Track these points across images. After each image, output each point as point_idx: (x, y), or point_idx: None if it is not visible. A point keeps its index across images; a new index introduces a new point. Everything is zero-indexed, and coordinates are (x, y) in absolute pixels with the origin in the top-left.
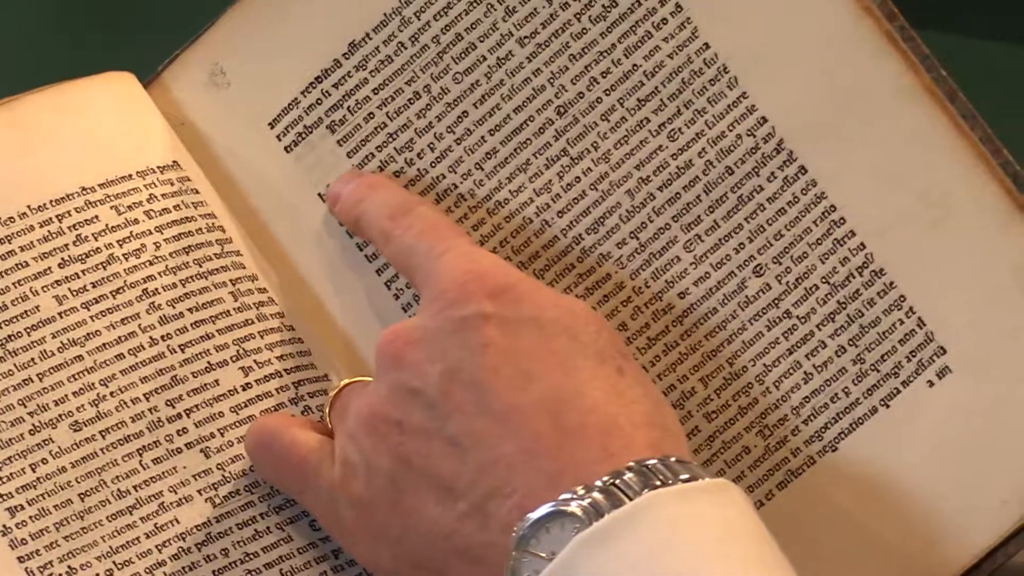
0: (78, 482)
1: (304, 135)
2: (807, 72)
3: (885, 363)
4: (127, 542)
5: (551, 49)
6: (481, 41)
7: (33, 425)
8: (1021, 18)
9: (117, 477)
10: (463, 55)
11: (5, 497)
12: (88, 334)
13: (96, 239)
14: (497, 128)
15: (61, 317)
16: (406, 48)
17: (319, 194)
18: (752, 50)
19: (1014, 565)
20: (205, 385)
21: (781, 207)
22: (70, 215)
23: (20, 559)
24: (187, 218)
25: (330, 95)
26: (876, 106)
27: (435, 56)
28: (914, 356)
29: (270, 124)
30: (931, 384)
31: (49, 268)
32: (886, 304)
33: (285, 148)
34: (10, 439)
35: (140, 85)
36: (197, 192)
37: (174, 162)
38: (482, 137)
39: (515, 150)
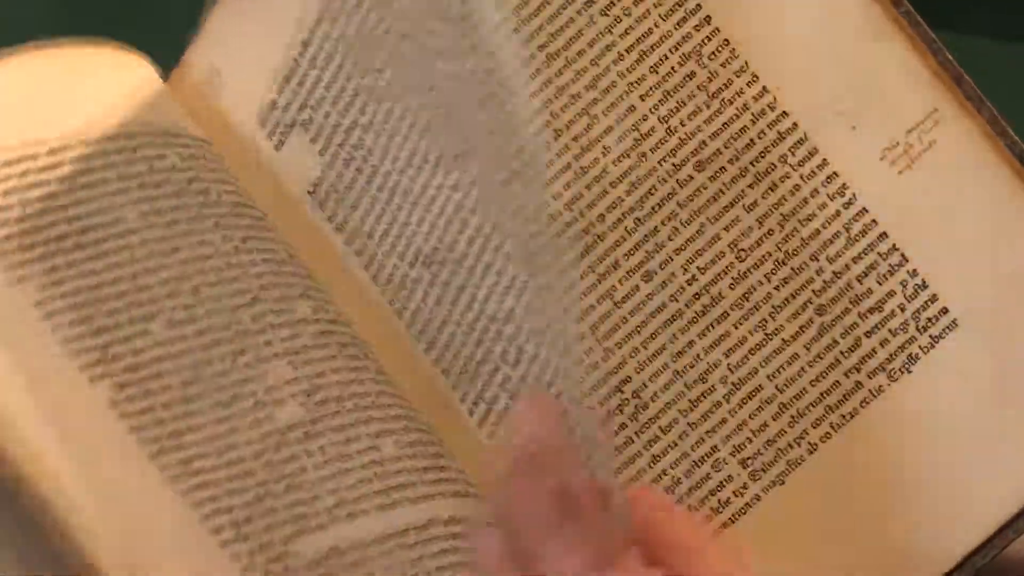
0: (177, 372)
1: (286, 134)
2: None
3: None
4: (230, 429)
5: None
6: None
7: (130, 317)
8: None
9: (214, 374)
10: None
11: (112, 374)
12: (172, 248)
13: (165, 173)
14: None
15: (146, 230)
16: (346, 42)
17: (308, 191)
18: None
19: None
20: (283, 309)
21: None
22: (144, 148)
23: (131, 429)
24: (230, 181)
25: (297, 94)
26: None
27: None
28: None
29: (260, 123)
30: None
31: (129, 188)
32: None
33: (274, 147)
34: (108, 326)
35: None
36: (227, 171)
37: (207, 139)
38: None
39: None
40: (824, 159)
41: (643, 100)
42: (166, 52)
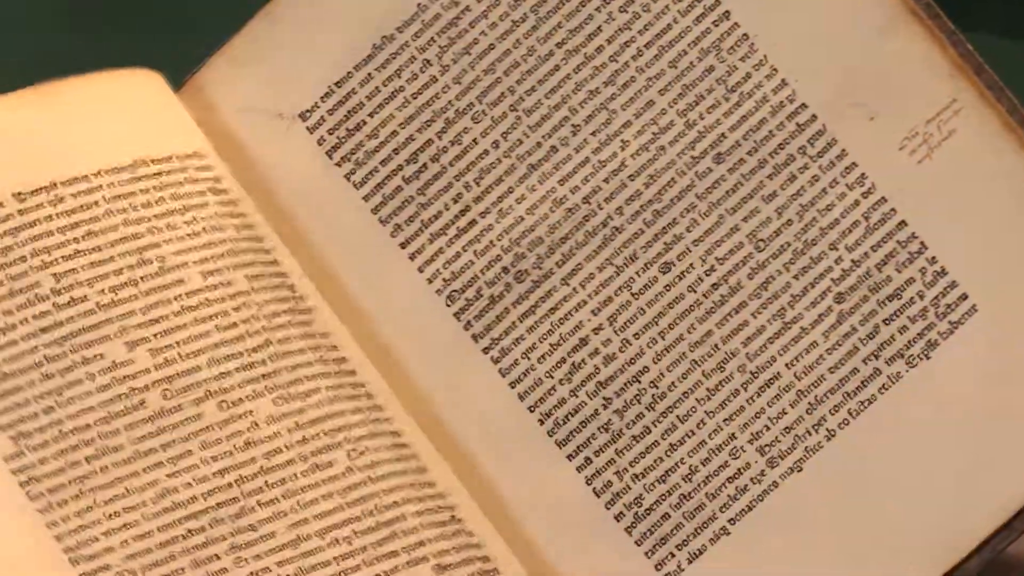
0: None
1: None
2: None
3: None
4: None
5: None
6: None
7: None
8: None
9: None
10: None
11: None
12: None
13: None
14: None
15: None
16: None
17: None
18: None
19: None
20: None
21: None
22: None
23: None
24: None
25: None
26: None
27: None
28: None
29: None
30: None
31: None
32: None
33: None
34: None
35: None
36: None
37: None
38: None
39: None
40: (843, 150)
41: (662, 94)
42: (164, 50)
